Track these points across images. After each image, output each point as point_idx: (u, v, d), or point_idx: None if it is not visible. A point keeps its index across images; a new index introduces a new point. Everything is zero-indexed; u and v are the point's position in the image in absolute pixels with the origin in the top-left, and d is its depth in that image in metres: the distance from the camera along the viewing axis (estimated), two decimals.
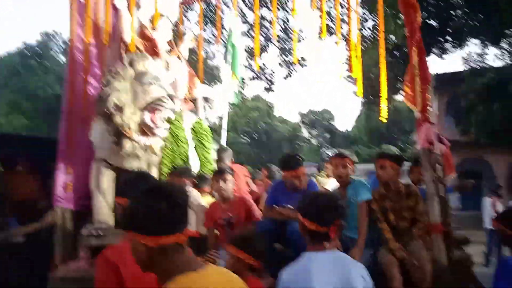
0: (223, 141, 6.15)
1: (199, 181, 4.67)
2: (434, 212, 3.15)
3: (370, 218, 3.35)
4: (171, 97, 4.05)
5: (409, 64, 3.34)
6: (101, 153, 4.20)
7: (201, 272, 1.45)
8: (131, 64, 4.05)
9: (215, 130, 5.96)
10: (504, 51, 17.76)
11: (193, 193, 4.28)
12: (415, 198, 3.25)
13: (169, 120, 4.33)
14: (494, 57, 17.90)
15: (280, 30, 12.33)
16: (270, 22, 12.70)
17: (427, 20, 19.23)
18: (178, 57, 5.15)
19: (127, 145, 3.93)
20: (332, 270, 2.02)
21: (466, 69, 16.28)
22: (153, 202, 1.44)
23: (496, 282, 2.59)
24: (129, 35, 4.48)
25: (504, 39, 17.82)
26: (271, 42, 12.73)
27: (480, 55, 16.55)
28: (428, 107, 3.27)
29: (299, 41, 11.94)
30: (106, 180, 4.10)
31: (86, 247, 3.98)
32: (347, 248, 3.21)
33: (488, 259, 8.70)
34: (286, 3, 12.47)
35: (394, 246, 3.08)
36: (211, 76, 23.00)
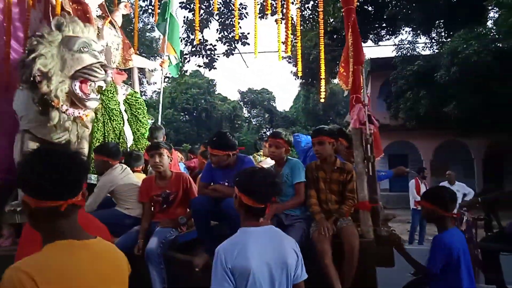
0: (160, 117, 5.96)
1: (131, 160, 4.44)
2: (363, 190, 3.30)
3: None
4: (103, 67, 3.81)
5: (345, 45, 3.41)
6: (25, 124, 3.92)
7: (84, 241, 1.49)
8: (59, 28, 3.74)
9: (151, 105, 5.75)
10: (433, 40, 18.85)
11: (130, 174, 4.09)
12: (349, 175, 3.37)
13: (101, 91, 4.10)
14: (423, 46, 18.98)
15: (220, 3, 12.04)
16: None
17: (365, 6, 19.90)
18: (112, 23, 4.85)
19: (54, 116, 3.67)
20: (267, 244, 2.06)
21: (397, 55, 17.02)
22: (36, 164, 1.44)
23: (431, 258, 2.78)
24: None
25: (434, 29, 18.90)
26: (212, 17, 12.44)
27: (411, 43, 17.37)
28: (360, 88, 3.37)
29: (241, 18, 11.77)
30: None
31: (10, 224, 3.74)
32: (281, 223, 3.28)
33: (412, 237, 9.34)
34: None
35: (320, 218, 3.19)
36: (149, 49, 22.16)
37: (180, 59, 6.70)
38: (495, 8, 15.24)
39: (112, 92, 4.54)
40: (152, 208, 3.77)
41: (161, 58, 5.95)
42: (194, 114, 39.83)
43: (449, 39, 16.52)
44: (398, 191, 17.59)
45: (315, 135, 3.47)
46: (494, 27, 15.13)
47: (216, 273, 1.98)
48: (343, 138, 3.80)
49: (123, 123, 4.69)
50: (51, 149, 1.58)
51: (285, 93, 66.85)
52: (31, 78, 3.57)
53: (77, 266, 1.44)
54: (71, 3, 4.31)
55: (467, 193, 8.42)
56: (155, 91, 34.78)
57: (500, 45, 13.89)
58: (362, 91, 3.40)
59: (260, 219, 2.15)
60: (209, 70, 13.67)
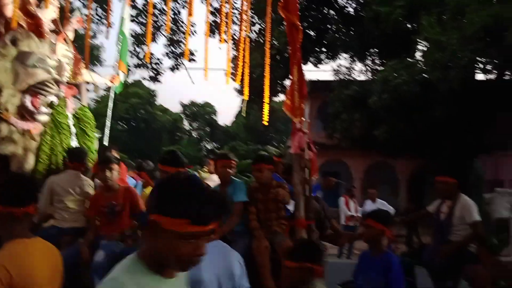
0: (107, 131, 6.01)
1: None
2: (300, 209, 3.66)
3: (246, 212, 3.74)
4: (56, 82, 3.91)
5: (291, 80, 3.80)
6: None
7: (32, 239, 2.01)
8: (13, 42, 3.81)
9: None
10: (368, 67, 20.20)
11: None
12: (280, 195, 3.66)
13: (51, 105, 4.16)
14: (359, 72, 20.24)
15: (170, 21, 12.24)
16: (160, 10, 12.52)
17: (307, 30, 20.91)
18: (64, 39, 4.91)
19: (3, 128, 3.71)
20: (216, 257, 2.31)
21: (335, 79, 18.03)
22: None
23: (356, 272, 3.17)
24: (11, 9, 4.16)
25: (369, 57, 20.28)
26: (160, 31, 12.55)
27: (348, 68, 18.50)
28: (302, 118, 3.77)
29: (190, 35, 12.01)
30: None
31: None
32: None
33: (341, 251, 9.91)
34: None
35: (258, 234, 3.51)
36: (91, 56, 21.57)
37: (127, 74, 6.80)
38: (423, 42, 16.71)
39: (61, 106, 4.59)
40: (98, 221, 3.88)
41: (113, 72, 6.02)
42: (133, 124, 38.94)
43: (381, 68, 17.82)
44: (330, 206, 18.46)
45: (255, 162, 3.83)
46: (422, 60, 16.56)
47: None
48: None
49: (71, 137, 4.73)
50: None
51: (228, 108, 67.50)
52: None
53: (32, 258, 1.92)
54: (24, 17, 4.34)
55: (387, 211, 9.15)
56: (93, 99, 33.70)
57: (427, 77, 15.25)
58: (303, 120, 3.80)
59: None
60: (154, 83, 13.72)
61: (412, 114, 14.30)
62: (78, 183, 4.01)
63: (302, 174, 3.71)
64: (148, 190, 5.03)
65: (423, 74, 14.77)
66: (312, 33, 20.85)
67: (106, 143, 5.97)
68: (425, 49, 16.57)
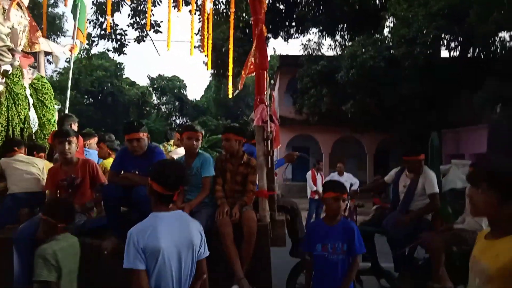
0: (68, 103, 5.82)
1: (34, 148, 4.43)
2: (262, 180, 3.71)
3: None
4: (10, 50, 3.74)
5: (250, 51, 3.78)
6: None
7: None
8: None
9: (54, 88, 5.61)
10: (336, 42, 20.28)
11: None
12: (252, 169, 3.75)
13: (5, 75, 3.99)
14: (328, 48, 20.33)
15: None
16: None
17: (277, 4, 20.71)
18: (18, 3, 4.65)
19: None
20: (176, 227, 2.35)
21: (304, 54, 18.03)
22: None
23: (310, 243, 3.26)
24: None
25: (338, 32, 20.35)
26: (124, 1, 12.09)
27: (317, 43, 18.51)
28: (264, 90, 3.77)
29: (154, 6, 11.64)
30: None
31: None
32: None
33: (308, 223, 10.18)
34: None
35: (222, 203, 3.58)
36: (52, 26, 20.68)
37: (87, 43, 6.57)
38: (390, 18, 16.87)
39: (17, 76, 4.40)
40: (58, 194, 3.82)
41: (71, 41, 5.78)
42: (99, 97, 37.93)
43: (350, 43, 17.94)
44: (299, 181, 18.82)
45: (223, 132, 3.85)
46: (389, 36, 16.76)
47: (129, 253, 2.22)
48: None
49: (29, 108, 4.57)
50: None
51: (197, 82, 66.51)
52: None
53: None
54: None
55: (353, 183, 9.45)
56: (56, 71, 32.50)
57: (393, 52, 15.48)
58: (265, 93, 3.81)
59: (170, 205, 2.43)
60: (119, 55, 13.31)
61: (379, 89, 14.56)
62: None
63: (265, 145, 3.74)
64: (108, 162, 4.94)
65: (390, 51, 15.01)
66: (281, 6, 20.69)
67: None
68: (392, 25, 16.77)
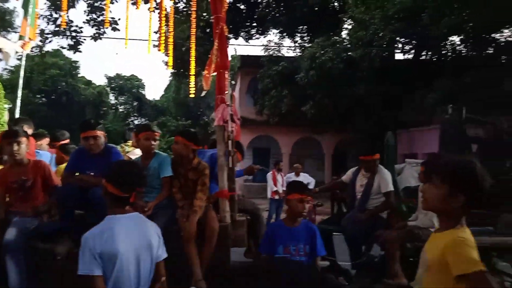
0: (19, 102, 5.54)
1: None
2: (223, 180, 3.69)
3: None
4: None
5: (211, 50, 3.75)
6: None
7: None
8: None
9: (4, 86, 5.35)
10: (296, 43, 20.56)
11: None
12: (199, 173, 3.63)
13: None
14: (288, 49, 20.59)
15: None
16: None
17: (237, 4, 20.72)
18: None
19: None
20: (133, 229, 2.29)
21: (265, 55, 18.15)
22: None
23: (269, 245, 3.28)
24: None
25: (298, 34, 20.62)
26: None
27: (277, 44, 18.68)
28: (225, 90, 3.76)
29: (112, 3, 11.33)
30: None
31: None
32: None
33: (268, 224, 10.24)
34: None
35: (183, 205, 3.54)
36: (2, 22, 19.68)
37: (41, 40, 6.30)
38: (348, 20, 17.31)
39: None
40: (8, 197, 3.63)
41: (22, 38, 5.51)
42: (53, 97, 36.43)
43: (309, 45, 18.23)
44: (260, 181, 18.90)
45: (176, 135, 3.80)
46: (347, 38, 17.18)
47: (84, 258, 2.13)
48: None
49: None
50: None
51: (156, 81, 64.89)
52: None
53: None
54: None
55: (310, 182, 9.60)
56: (6, 69, 30.92)
57: (351, 54, 15.88)
58: (226, 92, 3.79)
59: (126, 207, 2.35)
60: (74, 53, 12.86)
61: (337, 90, 14.88)
62: None
63: (226, 145, 3.73)
64: (64, 167, 4.73)
65: (348, 52, 15.40)
66: (242, 7, 20.71)
67: (17, 115, 5.53)
68: (350, 27, 17.22)
